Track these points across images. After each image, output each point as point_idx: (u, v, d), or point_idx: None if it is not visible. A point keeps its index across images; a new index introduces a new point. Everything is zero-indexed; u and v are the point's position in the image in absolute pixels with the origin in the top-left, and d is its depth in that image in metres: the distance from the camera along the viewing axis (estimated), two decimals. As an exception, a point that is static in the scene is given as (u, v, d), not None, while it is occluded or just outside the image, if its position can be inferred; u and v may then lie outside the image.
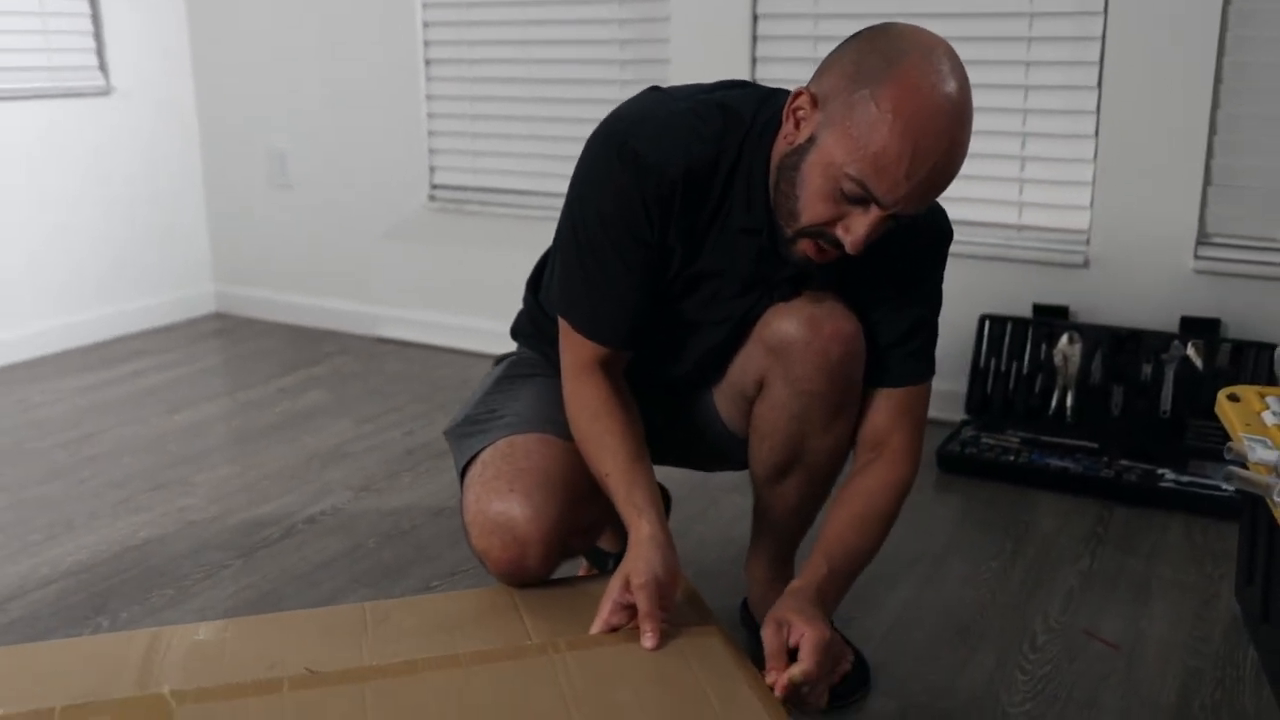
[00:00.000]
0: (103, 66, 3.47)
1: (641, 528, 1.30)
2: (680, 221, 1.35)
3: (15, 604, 1.88)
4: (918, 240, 1.41)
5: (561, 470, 1.43)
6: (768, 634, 1.22)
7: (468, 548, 1.44)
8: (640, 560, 1.26)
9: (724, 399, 1.56)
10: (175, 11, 3.66)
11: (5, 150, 3.25)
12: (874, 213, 1.22)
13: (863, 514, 1.41)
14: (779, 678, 1.17)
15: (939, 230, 1.45)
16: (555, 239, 1.45)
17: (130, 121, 3.56)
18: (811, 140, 1.24)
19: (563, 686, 1.11)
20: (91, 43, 3.45)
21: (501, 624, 1.34)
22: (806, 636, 1.20)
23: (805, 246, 1.30)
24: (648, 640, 1.21)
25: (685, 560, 1.92)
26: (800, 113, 1.26)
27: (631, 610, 1.25)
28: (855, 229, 1.24)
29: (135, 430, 2.73)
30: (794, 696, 1.18)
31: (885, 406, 1.46)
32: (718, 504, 2.25)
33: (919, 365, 1.46)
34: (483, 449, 1.46)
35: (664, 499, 2.00)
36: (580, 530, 1.48)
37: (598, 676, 1.13)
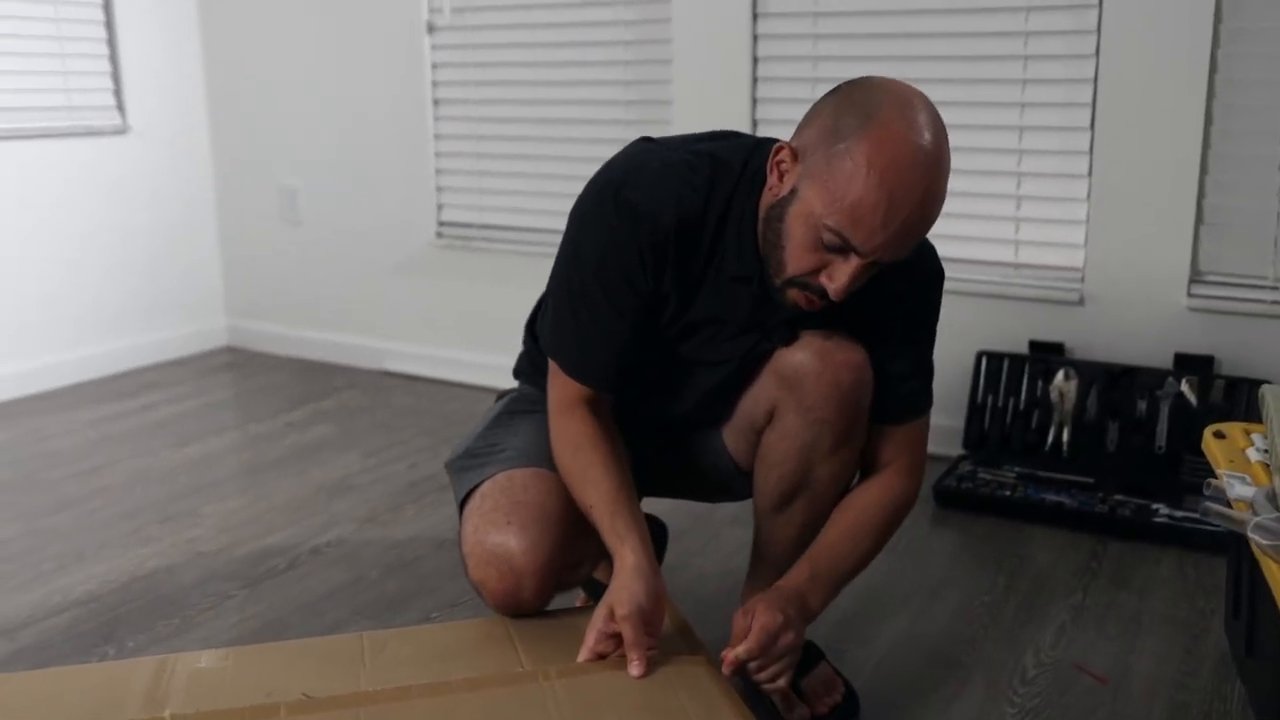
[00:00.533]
0: (120, 106, 3.55)
1: (625, 556, 1.34)
2: (674, 270, 1.40)
3: (26, 631, 1.92)
4: (910, 281, 1.45)
5: (558, 505, 1.47)
6: (736, 618, 1.36)
7: (466, 579, 1.47)
8: (624, 590, 1.30)
9: (732, 433, 1.59)
10: (191, 53, 3.74)
11: (25, 187, 3.32)
12: (854, 261, 1.27)
13: (854, 524, 1.49)
14: (728, 654, 1.32)
15: (930, 271, 1.49)
16: (549, 283, 1.50)
17: (146, 159, 3.64)
18: (793, 192, 1.29)
19: (551, 713, 1.14)
20: (109, 83, 3.53)
21: (495, 653, 1.37)
22: (755, 617, 1.33)
23: (795, 295, 1.35)
24: (634, 669, 1.25)
25: (684, 592, 1.96)
26: (783, 165, 1.31)
27: (617, 639, 1.29)
28: (837, 277, 1.29)
29: (146, 462, 2.78)
30: (743, 673, 1.34)
31: (890, 440, 1.53)
32: (718, 537, 2.28)
33: (919, 400, 1.53)
34: (481, 482, 1.50)
35: (661, 532, 2.04)
36: (575, 564, 1.52)
37: (586, 704, 1.17)
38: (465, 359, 3.42)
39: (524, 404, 1.65)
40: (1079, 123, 2.53)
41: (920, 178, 1.22)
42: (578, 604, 1.85)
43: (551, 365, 1.48)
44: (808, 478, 1.52)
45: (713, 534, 2.30)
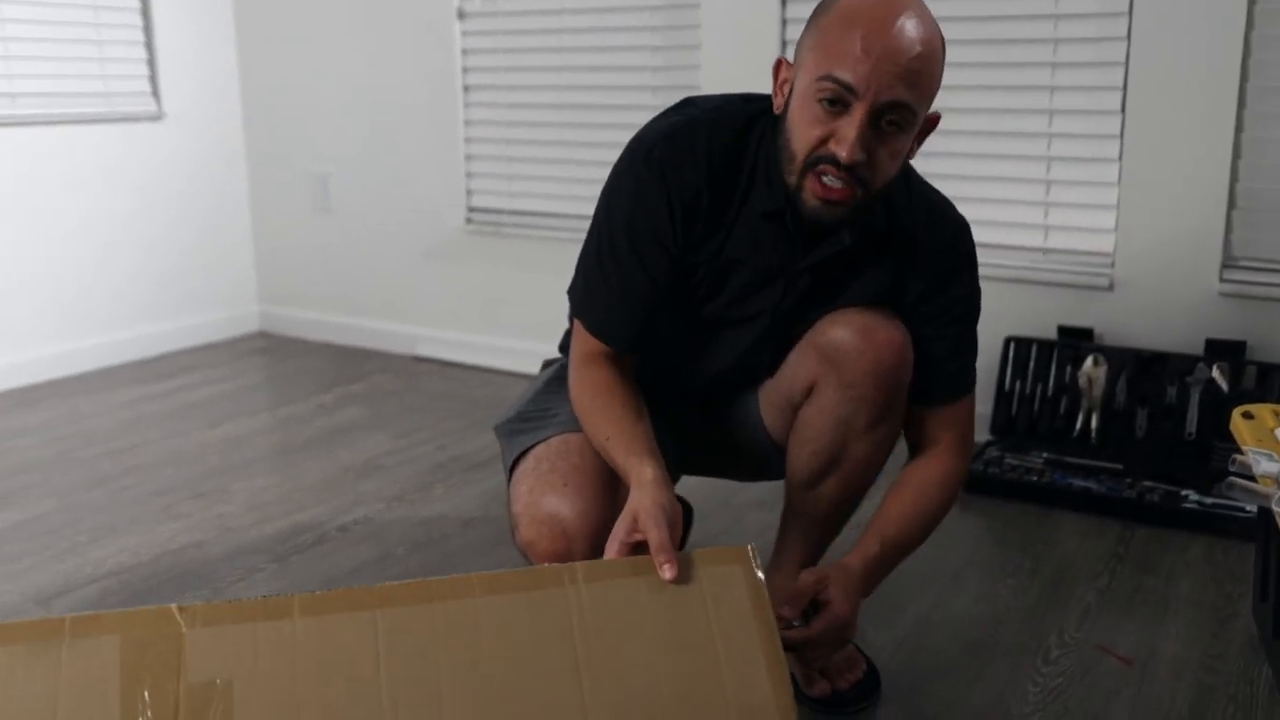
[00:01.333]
0: (155, 93, 3.60)
1: (644, 472, 1.32)
2: (705, 222, 1.41)
3: (61, 600, 1.96)
4: (945, 261, 1.47)
5: (612, 472, 1.48)
6: (804, 577, 1.36)
7: (512, 542, 1.49)
8: (647, 498, 1.27)
9: (769, 407, 1.59)
10: (225, 40, 3.78)
11: (61, 172, 3.37)
12: (856, 111, 1.26)
13: (916, 506, 1.49)
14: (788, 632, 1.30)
15: (959, 253, 1.49)
16: (583, 246, 1.51)
17: (181, 146, 3.68)
18: (792, 89, 1.33)
19: (574, 620, 1.12)
20: (145, 70, 3.57)
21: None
22: (830, 608, 1.34)
23: (811, 188, 1.32)
24: (667, 572, 1.18)
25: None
26: (781, 77, 1.37)
27: (637, 549, 1.24)
28: (844, 134, 1.27)
29: (178, 442, 2.81)
30: (788, 646, 1.28)
31: (936, 420, 1.53)
32: (741, 520, 2.29)
33: (963, 380, 1.53)
34: (535, 444, 1.51)
35: (687, 513, 2.04)
36: None
37: (610, 611, 1.14)
38: (495, 344, 3.43)
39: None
40: (1110, 106, 2.50)
41: (891, 4, 1.26)
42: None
43: (576, 323, 1.50)
44: (842, 455, 1.52)
45: (736, 516, 2.30)
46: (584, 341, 1.49)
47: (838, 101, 1.26)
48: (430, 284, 3.59)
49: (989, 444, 2.59)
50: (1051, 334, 2.62)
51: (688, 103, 1.50)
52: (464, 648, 1.09)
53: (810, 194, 1.33)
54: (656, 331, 1.48)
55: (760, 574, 1.20)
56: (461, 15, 3.34)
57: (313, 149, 3.75)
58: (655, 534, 1.21)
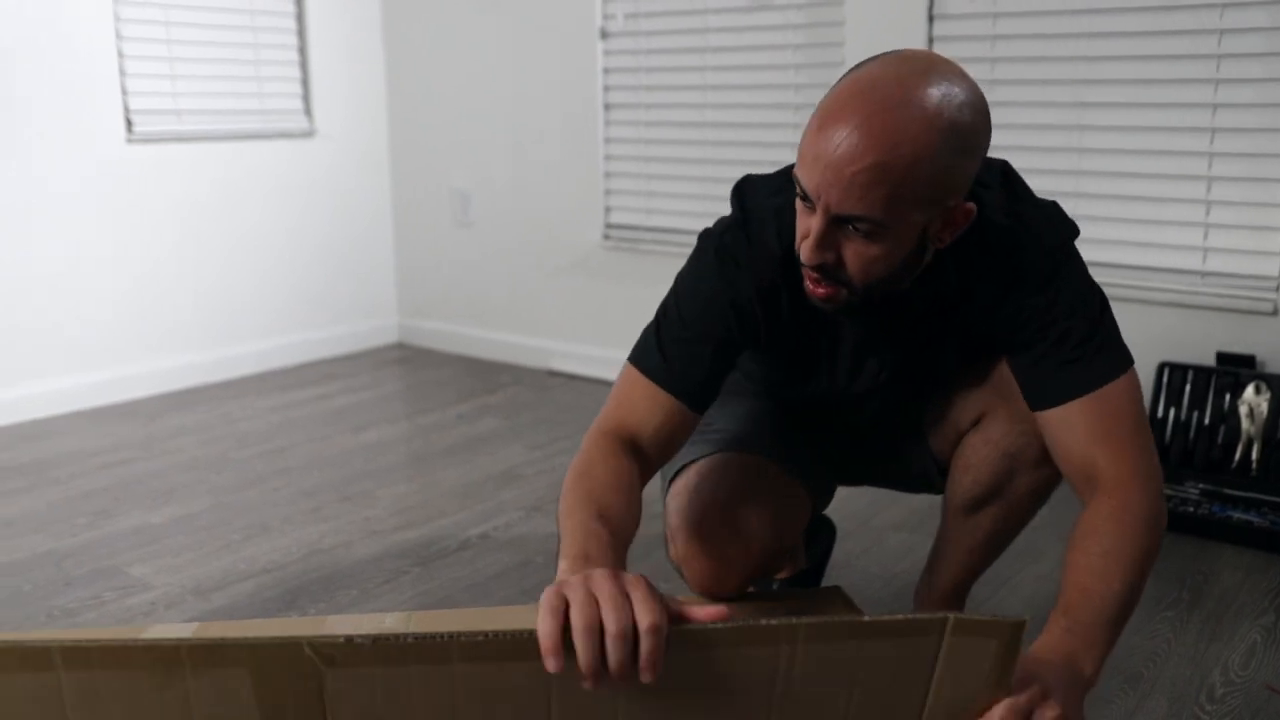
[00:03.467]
0: (308, 111, 3.73)
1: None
2: (767, 328, 1.35)
3: (218, 594, 2.03)
4: (1011, 283, 1.31)
5: (774, 493, 1.47)
6: (1017, 690, 1.02)
7: (665, 555, 1.48)
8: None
9: (935, 427, 1.54)
10: (374, 60, 3.91)
11: (221, 186, 3.52)
12: (818, 214, 1.16)
13: (1095, 553, 1.20)
14: None
15: (1047, 250, 1.31)
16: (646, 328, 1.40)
17: (330, 162, 3.81)
18: None
19: (778, 686, 1.02)
20: (299, 89, 3.71)
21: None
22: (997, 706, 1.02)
23: (805, 281, 1.25)
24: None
25: (849, 593, 1.93)
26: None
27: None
28: (807, 233, 1.18)
29: (323, 446, 2.90)
30: None
31: (1065, 430, 1.29)
32: (882, 541, 2.25)
33: (1085, 371, 1.27)
34: (694, 460, 1.49)
35: (829, 532, 2.02)
36: (782, 553, 1.51)
37: (818, 677, 1.02)
38: (627, 360, 3.45)
39: (734, 385, 1.61)
40: (1276, 124, 2.40)
41: (854, 100, 1.11)
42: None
43: (624, 379, 1.35)
44: (1005, 486, 1.47)
45: (877, 537, 2.26)
46: (625, 403, 1.32)
47: (807, 199, 1.16)
48: (566, 299, 3.63)
49: (1140, 473, 2.50)
50: (1209, 360, 2.52)
51: (741, 195, 1.38)
52: (652, 698, 0.98)
53: (809, 290, 1.25)
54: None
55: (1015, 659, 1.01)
56: (604, 35, 3.39)
57: (455, 165, 3.84)
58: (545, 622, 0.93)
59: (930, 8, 2.77)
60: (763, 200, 1.34)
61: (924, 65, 1.14)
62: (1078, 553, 1.21)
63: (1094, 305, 1.30)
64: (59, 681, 0.91)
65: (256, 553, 2.22)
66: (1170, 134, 2.53)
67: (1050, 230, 1.32)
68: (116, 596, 2.03)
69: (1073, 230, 1.34)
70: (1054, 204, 1.36)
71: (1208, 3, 2.43)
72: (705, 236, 1.38)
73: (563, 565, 1.05)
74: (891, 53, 1.18)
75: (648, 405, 1.30)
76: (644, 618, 0.91)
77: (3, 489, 2.59)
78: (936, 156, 1.10)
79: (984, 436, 1.46)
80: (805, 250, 1.18)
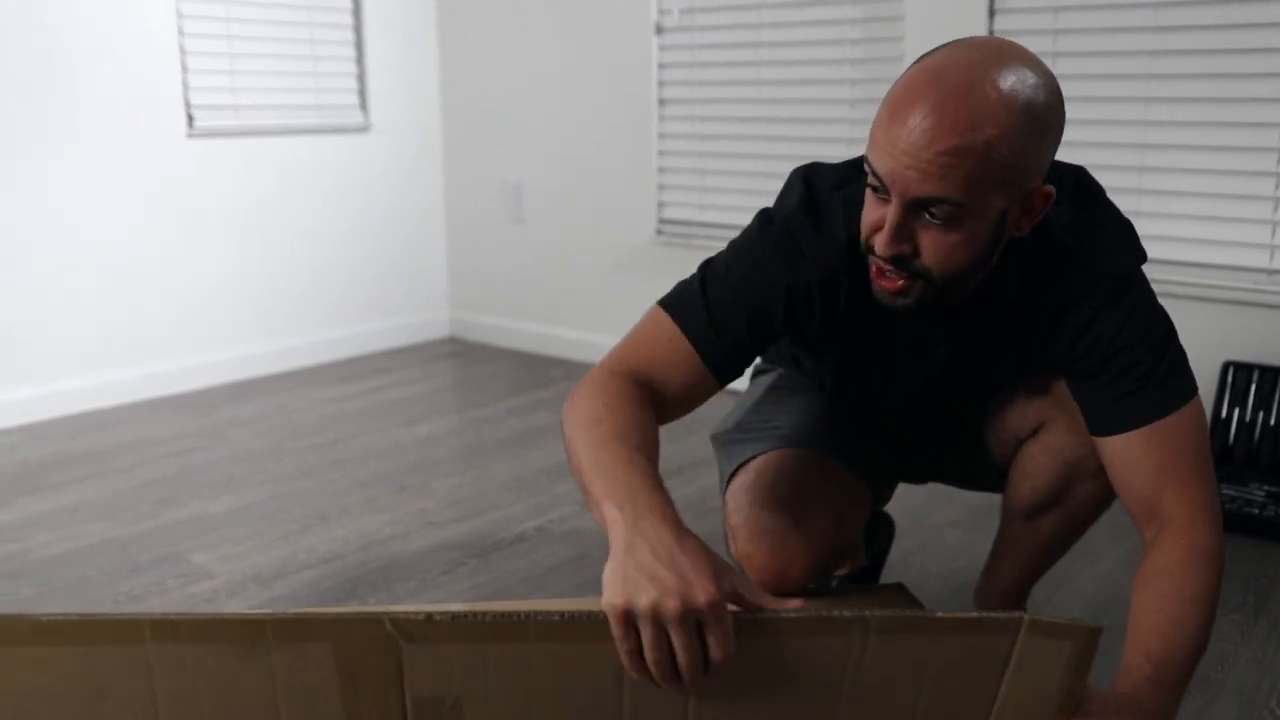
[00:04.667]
0: (364, 106, 3.76)
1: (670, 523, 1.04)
2: (844, 301, 1.32)
3: (279, 583, 2.06)
4: (1081, 296, 1.28)
5: (834, 490, 1.46)
6: None
7: (728, 550, 1.47)
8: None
9: (994, 432, 1.52)
10: (429, 56, 3.94)
11: (277, 180, 3.56)
12: (894, 202, 1.13)
13: (1173, 597, 1.18)
14: None
15: (1109, 276, 1.28)
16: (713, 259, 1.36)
17: (384, 157, 3.84)
18: None
19: (847, 676, 1.02)
20: (355, 84, 3.74)
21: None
22: None
23: (874, 275, 1.21)
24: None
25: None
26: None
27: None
28: (885, 224, 1.15)
29: (378, 438, 2.92)
30: None
31: (1125, 459, 1.27)
32: (940, 539, 2.23)
33: (1147, 401, 1.25)
34: (755, 456, 1.48)
35: (888, 529, 2.01)
36: (843, 551, 1.50)
37: (886, 673, 1.03)
38: (679, 355, 3.45)
39: (790, 381, 1.62)
40: (1350, 120, 2.36)
41: (926, 85, 1.09)
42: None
43: (650, 320, 1.29)
44: (1065, 494, 1.45)
45: (935, 535, 2.25)
46: (644, 345, 1.27)
47: (880, 189, 1.14)
48: (618, 294, 3.63)
49: (1203, 474, 2.46)
50: (1275, 360, 2.47)
51: (807, 183, 1.35)
52: (724, 681, 0.98)
53: (874, 282, 1.21)
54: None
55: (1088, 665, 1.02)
56: (659, 30, 3.39)
57: (508, 160, 3.85)
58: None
59: (991, 2, 2.74)
60: (830, 189, 1.32)
61: (994, 49, 1.12)
62: (1152, 595, 1.19)
63: (1159, 335, 1.27)
64: (147, 654, 0.93)
65: (315, 542, 2.24)
66: (1239, 129, 2.48)
67: (1110, 257, 1.28)
68: (180, 584, 2.06)
69: (1139, 257, 1.30)
70: (1125, 225, 1.32)
71: (1278, -5, 2.39)
72: (767, 216, 1.34)
73: (610, 512, 1.02)
74: (959, 40, 1.16)
75: (674, 360, 1.25)
76: (716, 651, 0.95)
77: (67, 477, 2.64)
78: (1013, 137, 1.09)
79: (1044, 445, 1.44)
80: (881, 240, 1.15)
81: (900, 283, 1.18)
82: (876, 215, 1.16)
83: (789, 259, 1.29)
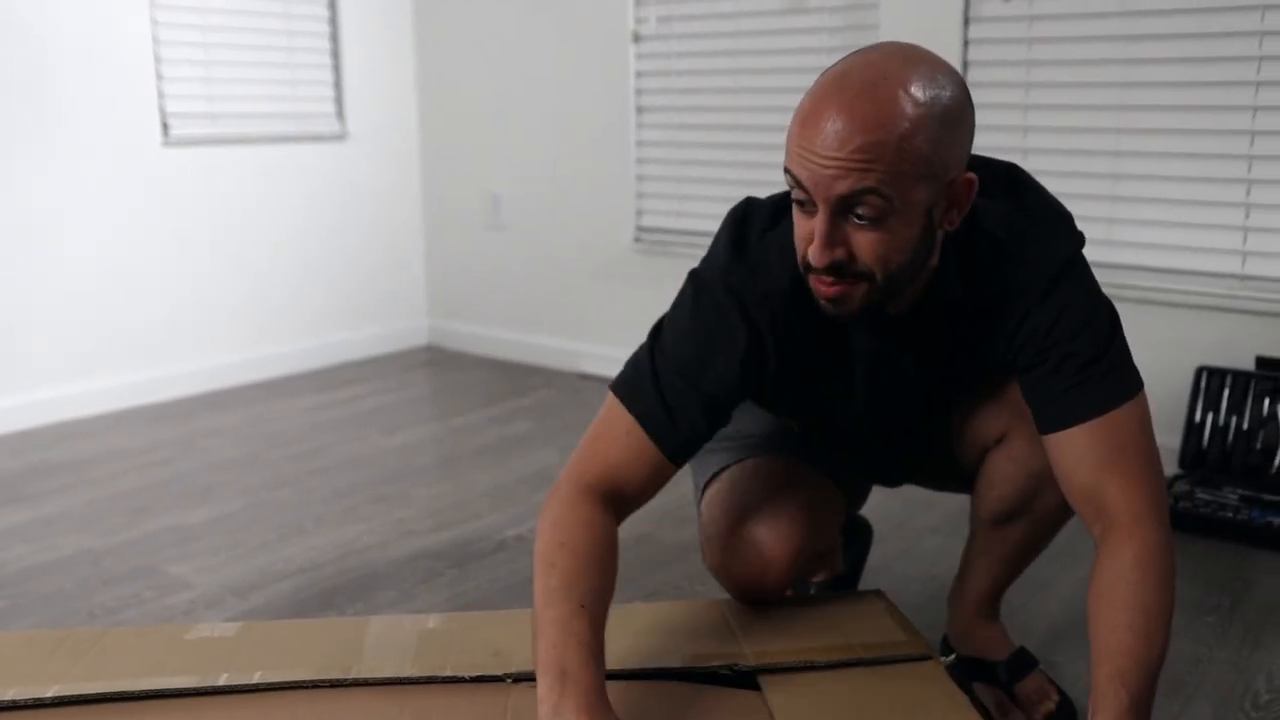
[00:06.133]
0: (340, 114, 3.76)
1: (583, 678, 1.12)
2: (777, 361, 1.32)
3: (256, 594, 2.05)
4: (1023, 290, 1.28)
5: (808, 494, 1.47)
6: None
7: (702, 563, 1.48)
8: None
9: (960, 442, 1.53)
10: (406, 64, 3.93)
11: (254, 189, 3.55)
12: (820, 210, 1.13)
13: (1133, 607, 1.16)
14: None
15: (1044, 263, 1.27)
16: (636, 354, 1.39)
17: (361, 165, 3.83)
18: None
19: None
20: (332, 92, 3.74)
21: (713, 635, 1.38)
22: None
23: (815, 289, 1.20)
24: None
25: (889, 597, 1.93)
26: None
27: None
28: (815, 236, 1.15)
29: (356, 448, 2.91)
30: None
31: (1070, 455, 1.26)
32: (919, 543, 2.24)
33: (1090, 395, 1.24)
34: (726, 466, 1.49)
35: (866, 534, 2.01)
36: (819, 555, 1.51)
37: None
38: (657, 363, 3.45)
39: None
40: (1319, 128, 2.39)
41: (833, 90, 1.12)
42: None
43: (604, 420, 1.32)
44: (1032, 503, 1.46)
45: (914, 540, 2.26)
46: (602, 452, 1.29)
47: (807, 202, 1.15)
48: (597, 302, 3.64)
49: (1177, 478, 2.48)
50: (1248, 365, 2.50)
51: (742, 222, 1.35)
52: None
53: (820, 298, 1.20)
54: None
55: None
56: (636, 39, 3.40)
57: (486, 168, 3.85)
58: None
59: (966, 10, 2.76)
60: (760, 233, 1.31)
61: (895, 51, 1.16)
62: (1113, 608, 1.17)
63: (1101, 324, 1.26)
64: None
65: (293, 552, 2.23)
66: (1209, 137, 2.51)
67: (1042, 245, 1.28)
68: (156, 595, 2.05)
69: (1074, 241, 1.30)
70: (1058, 212, 1.31)
71: (1249, 5, 2.42)
72: (699, 281, 1.32)
73: (541, 684, 1.10)
74: (862, 48, 1.20)
75: (633, 455, 1.28)
76: None
77: (42, 488, 2.62)
78: (926, 128, 1.11)
79: (1008, 454, 1.45)
80: (814, 251, 1.15)
81: (841, 288, 1.18)
82: (807, 229, 1.17)
83: (730, 329, 1.28)
